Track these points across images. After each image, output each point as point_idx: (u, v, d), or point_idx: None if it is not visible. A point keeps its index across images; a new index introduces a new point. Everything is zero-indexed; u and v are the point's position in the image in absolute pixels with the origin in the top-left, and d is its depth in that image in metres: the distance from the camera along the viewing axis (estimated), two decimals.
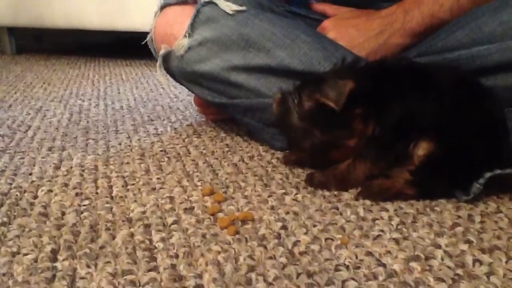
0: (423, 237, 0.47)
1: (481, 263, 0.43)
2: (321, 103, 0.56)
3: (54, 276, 0.40)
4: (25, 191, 0.58)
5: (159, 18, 0.82)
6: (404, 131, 0.56)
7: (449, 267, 0.42)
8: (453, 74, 0.60)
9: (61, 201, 0.55)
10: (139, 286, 0.39)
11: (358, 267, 0.41)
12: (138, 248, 0.44)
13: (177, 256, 0.43)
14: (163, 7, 0.82)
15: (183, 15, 0.78)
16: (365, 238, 0.47)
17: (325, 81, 0.57)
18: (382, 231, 0.48)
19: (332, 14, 0.82)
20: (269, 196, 0.57)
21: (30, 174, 0.64)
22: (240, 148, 0.77)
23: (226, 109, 0.80)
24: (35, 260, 0.42)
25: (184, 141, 0.81)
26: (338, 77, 0.57)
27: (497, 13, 0.61)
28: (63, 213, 0.52)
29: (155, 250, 0.44)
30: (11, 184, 0.60)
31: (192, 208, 0.53)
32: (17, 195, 0.56)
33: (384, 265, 0.42)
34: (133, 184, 0.60)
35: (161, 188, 0.59)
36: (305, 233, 0.47)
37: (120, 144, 0.79)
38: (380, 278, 0.40)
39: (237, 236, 0.47)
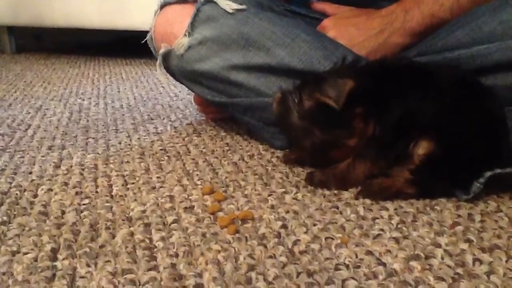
0: (423, 236, 0.47)
1: (481, 262, 0.43)
2: (321, 102, 0.56)
3: (54, 275, 0.40)
4: (25, 190, 0.58)
5: (159, 17, 0.82)
6: (404, 130, 0.56)
7: (449, 266, 0.42)
8: (453, 73, 0.60)
9: (61, 200, 0.55)
10: (139, 285, 0.39)
11: (358, 266, 0.41)
12: (138, 247, 0.44)
13: (177, 255, 0.43)
14: (163, 6, 0.82)
15: (183, 14, 0.78)
16: (365, 237, 0.47)
17: (325, 80, 0.57)
18: (382, 230, 0.48)
19: (332, 13, 0.82)
20: (269, 195, 0.57)
21: (30, 173, 0.64)
22: (240, 147, 0.77)
23: (226, 108, 0.80)
24: (35, 259, 0.42)
25: (184, 140, 0.81)
26: (338, 76, 0.57)
27: (497, 12, 0.61)
28: (63, 212, 0.52)
29: (155, 249, 0.44)
30: (11, 183, 0.60)
31: (192, 207, 0.53)
32: (17, 194, 0.56)
33: (384, 264, 0.42)
34: (133, 183, 0.60)
35: (161, 187, 0.59)
36: (305, 232, 0.47)
37: (120, 143, 0.78)
38: (380, 277, 0.40)
39: (237, 235, 0.47)
